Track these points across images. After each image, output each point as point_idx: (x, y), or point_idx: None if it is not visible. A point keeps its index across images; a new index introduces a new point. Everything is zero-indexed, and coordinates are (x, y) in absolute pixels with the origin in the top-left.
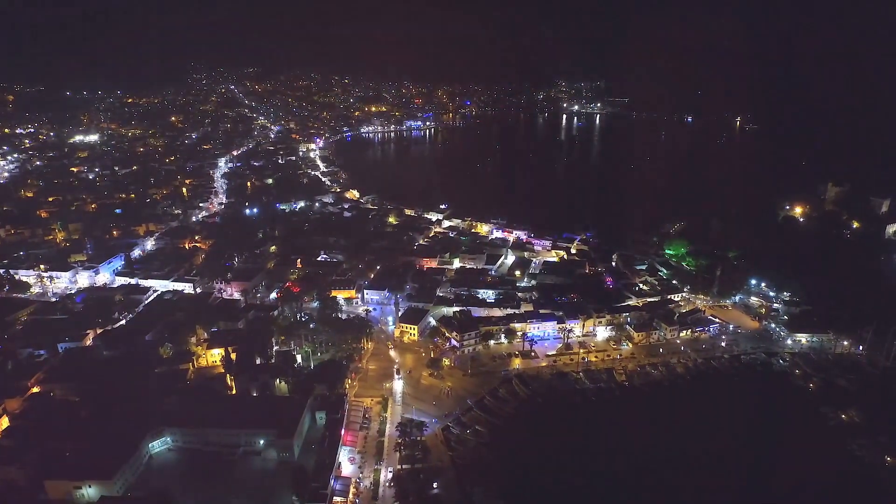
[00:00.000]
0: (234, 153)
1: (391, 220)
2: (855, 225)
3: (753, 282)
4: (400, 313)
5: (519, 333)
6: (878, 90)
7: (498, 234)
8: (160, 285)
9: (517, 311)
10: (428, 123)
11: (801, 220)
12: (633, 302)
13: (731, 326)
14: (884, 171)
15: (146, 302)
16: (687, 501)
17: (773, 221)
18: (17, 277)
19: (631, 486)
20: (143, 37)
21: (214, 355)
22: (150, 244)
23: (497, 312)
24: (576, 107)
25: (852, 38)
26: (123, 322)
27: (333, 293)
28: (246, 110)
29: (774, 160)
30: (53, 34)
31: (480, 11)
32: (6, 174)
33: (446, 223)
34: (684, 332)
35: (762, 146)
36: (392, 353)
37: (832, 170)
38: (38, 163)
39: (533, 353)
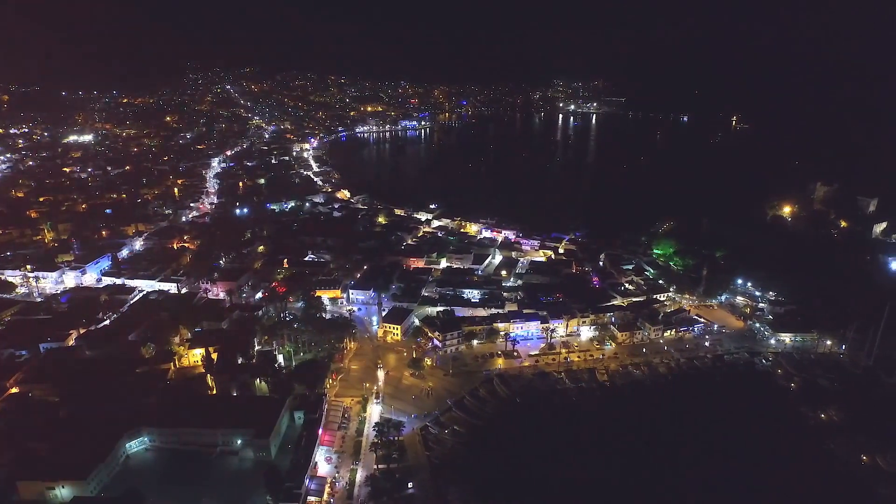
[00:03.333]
0: (228, 153)
1: (380, 219)
2: (843, 224)
3: (740, 281)
4: (384, 313)
5: (502, 333)
6: (869, 90)
7: (487, 233)
8: (146, 285)
9: (501, 311)
10: (423, 123)
11: (790, 219)
12: (618, 302)
13: (715, 326)
14: (872, 171)
15: (131, 302)
16: (664, 501)
17: (762, 221)
18: (2, 277)
19: (608, 486)
20: (140, 36)
21: (196, 355)
22: (138, 244)
23: (481, 312)
24: (572, 106)
25: (845, 40)
26: (107, 322)
27: (318, 293)
28: (241, 110)
29: (766, 159)
30: (50, 34)
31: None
32: None
33: (436, 223)
34: (668, 331)
35: (754, 145)
36: (379, 373)
37: (823, 169)
38: (30, 163)
39: (515, 353)
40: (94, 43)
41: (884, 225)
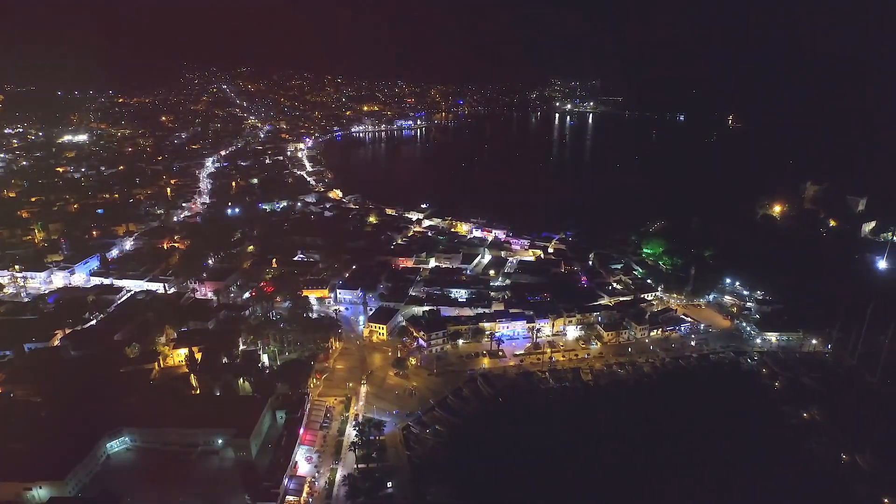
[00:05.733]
0: (223, 153)
1: (371, 219)
2: (832, 223)
3: (728, 280)
4: (370, 313)
5: (487, 333)
6: (862, 89)
7: (477, 233)
8: (134, 285)
9: (487, 311)
10: (419, 123)
11: (780, 218)
12: (605, 301)
13: (702, 325)
14: (862, 170)
15: (118, 302)
16: (645, 500)
17: (752, 220)
18: None
19: (589, 486)
20: (137, 36)
21: (181, 355)
22: (128, 244)
23: (468, 312)
24: (568, 105)
25: (838, 39)
26: (94, 322)
27: (306, 293)
28: (237, 110)
29: (758, 158)
30: (47, 34)
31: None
32: None
33: (426, 222)
34: (655, 331)
35: (747, 144)
36: (362, 389)
37: (814, 168)
38: (24, 163)
39: (501, 353)
40: (91, 43)
41: (872, 224)
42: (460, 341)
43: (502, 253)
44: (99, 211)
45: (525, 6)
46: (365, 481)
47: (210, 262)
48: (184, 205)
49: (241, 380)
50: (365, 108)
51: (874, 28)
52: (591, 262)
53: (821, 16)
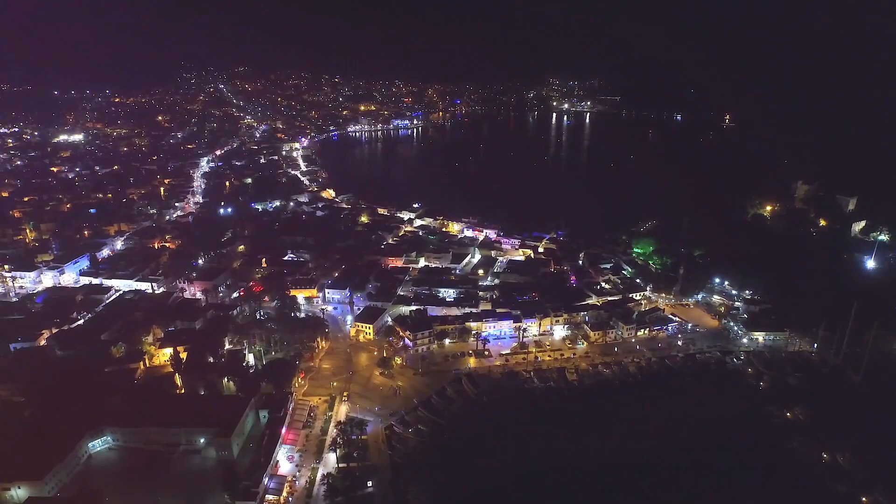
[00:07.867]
0: (218, 153)
1: (363, 219)
2: (822, 223)
3: (717, 280)
4: (358, 312)
5: (474, 332)
6: (856, 89)
7: (468, 232)
8: (123, 285)
9: (474, 311)
10: (416, 122)
11: (770, 217)
12: (593, 301)
13: (689, 325)
14: (852, 170)
15: (107, 302)
16: (622, 501)
17: (743, 219)
18: None
19: (566, 486)
20: (134, 36)
21: (166, 354)
22: (119, 244)
23: (455, 311)
24: (566, 105)
25: (833, 39)
26: (81, 322)
27: (294, 292)
28: (234, 109)
29: (751, 158)
30: (44, 33)
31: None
32: None
33: (418, 222)
34: (642, 331)
35: (742, 144)
36: (343, 407)
37: (807, 168)
38: (18, 162)
39: (487, 353)
40: (89, 42)
41: (862, 223)
42: (447, 341)
43: (492, 252)
44: (91, 210)
45: (525, 5)
46: (344, 481)
47: (200, 261)
48: (177, 204)
49: (226, 379)
50: (362, 108)
51: (871, 28)
52: (580, 262)
53: (819, 16)
